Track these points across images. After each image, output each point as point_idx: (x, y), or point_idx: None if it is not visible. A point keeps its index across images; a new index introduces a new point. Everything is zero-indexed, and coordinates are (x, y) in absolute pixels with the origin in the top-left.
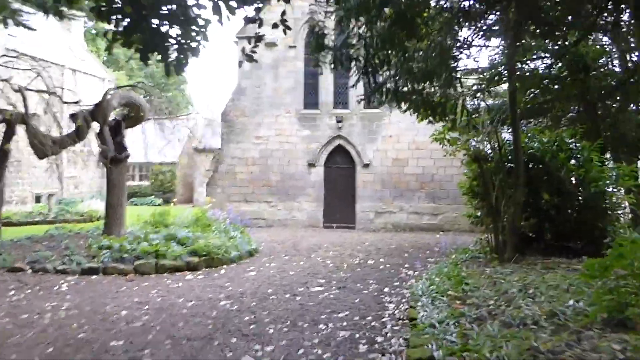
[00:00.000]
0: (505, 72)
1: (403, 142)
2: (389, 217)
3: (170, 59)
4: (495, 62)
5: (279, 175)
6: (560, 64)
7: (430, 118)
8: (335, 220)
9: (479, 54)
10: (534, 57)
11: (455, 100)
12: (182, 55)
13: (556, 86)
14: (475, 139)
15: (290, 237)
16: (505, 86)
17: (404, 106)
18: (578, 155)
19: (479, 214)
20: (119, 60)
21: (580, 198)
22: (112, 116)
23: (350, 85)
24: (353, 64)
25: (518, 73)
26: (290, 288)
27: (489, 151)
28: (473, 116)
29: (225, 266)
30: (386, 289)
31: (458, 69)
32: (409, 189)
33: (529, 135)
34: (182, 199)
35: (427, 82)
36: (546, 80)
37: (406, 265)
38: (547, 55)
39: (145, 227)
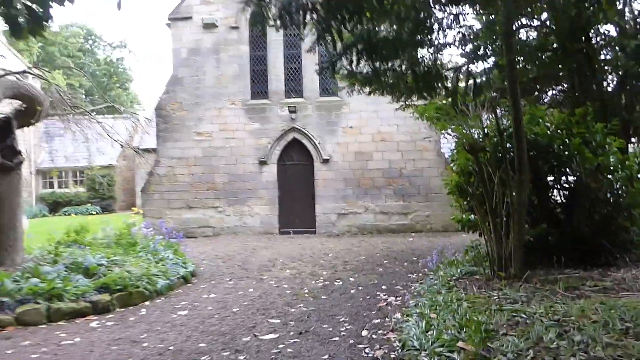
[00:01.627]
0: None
1: (366, 133)
2: (354, 219)
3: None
4: (486, 25)
5: (226, 177)
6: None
7: (408, 98)
8: (292, 224)
9: (464, 17)
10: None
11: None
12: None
13: (546, 56)
14: (465, 123)
15: (239, 250)
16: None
17: (366, 89)
18: (591, 142)
19: (471, 217)
20: (54, 59)
21: (597, 193)
22: None
23: (306, 50)
24: (308, 17)
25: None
26: (232, 338)
27: (480, 139)
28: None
29: (147, 303)
30: (364, 333)
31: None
32: (374, 186)
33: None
34: (123, 206)
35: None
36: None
37: (384, 287)
38: (540, 18)
39: (55, 250)
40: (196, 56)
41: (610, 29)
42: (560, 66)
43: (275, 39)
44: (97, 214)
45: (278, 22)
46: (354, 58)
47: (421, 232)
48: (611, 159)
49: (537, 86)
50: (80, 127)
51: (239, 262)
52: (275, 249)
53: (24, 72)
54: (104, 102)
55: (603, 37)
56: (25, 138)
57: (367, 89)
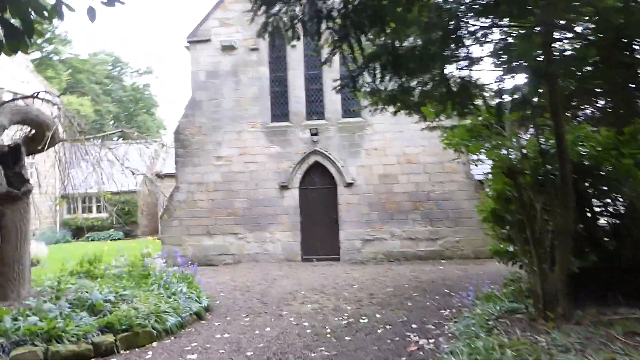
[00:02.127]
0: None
1: (391, 155)
2: (380, 245)
3: None
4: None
5: (246, 202)
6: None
7: (436, 117)
8: (315, 251)
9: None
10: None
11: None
12: None
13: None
14: (501, 144)
15: (259, 280)
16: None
17: (390, 108)
18: None
19: (510, 248)
20: (83, 86)
21: None
22: (5, 138)
23: (322, 62)
24: (324, 25)
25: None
26: None
27: (517, 161)
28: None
29: (155, 344)
30: None
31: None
32: (400, 211)
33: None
34: (146, 231)
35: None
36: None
37: (414, 326)
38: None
39: (59, 285)
40: (215, 79)
41: None
42: (601, 81)
43: (295, 58)
44: (119, 239)
45: (290, 33)
46: (377, 72)
47: (451, 258)
48: None
49: (574, 103)
50: (94, 153)
51: (257, 294)
52: (296, 278)
53: (32, 96)
54: (126, 127)
55: None
56: (45, 165)
57: (392, 108)
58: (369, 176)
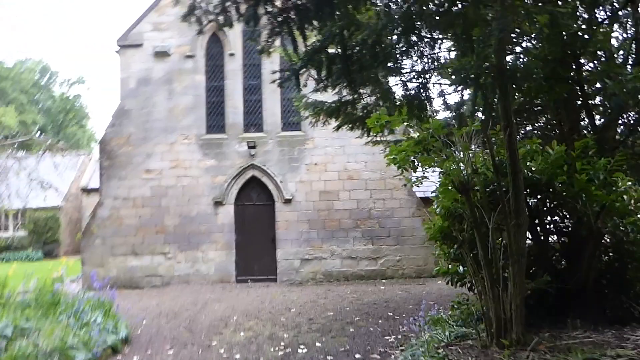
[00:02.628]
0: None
1: (332, 170)
2: (319, 265)
3: None
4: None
5: (178, 219)
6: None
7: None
8: (251, 272)
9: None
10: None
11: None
12: None
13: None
14: (452, 158)
15: (188, 304)
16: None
17: (332, 122)
18: (594, 180)
19: (460, 268)
20: (6, 95)
21: (604, 238)
22: None
23: (259, 51)
24: (262, 10)
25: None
26: None
27: (467, 176)
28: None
29: None
30: None
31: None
32: (341, 229)
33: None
34: (69, 251)
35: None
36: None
37: (357, 356)
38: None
39: None
40: (146, 86)
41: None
42: (547, 96)
43: (233, 68)
44: (38, 260)
45: (222, 18)
46: (324, 66)
47: (392, 278)
48: (625, 198)
49: (518, 119)
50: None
51: (185, 320)
52: (230, 301)
53: None
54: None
55: (595, 64)
56: None
57: (334, 122)
58: (309, 192)
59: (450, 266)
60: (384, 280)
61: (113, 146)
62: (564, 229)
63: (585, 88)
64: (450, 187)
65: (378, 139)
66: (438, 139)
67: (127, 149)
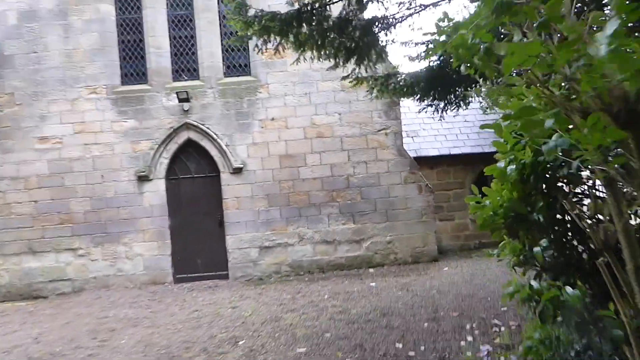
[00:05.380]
0: None
1: (295, 126)
2: (284, 254)
3: None
4: None
5: (89, 202)
6: None
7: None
8: (194, 267)
9: None
10: None
11: None
12: None
13: None
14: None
15: (84, 333)
16: None
17: (288, 46)
18: None
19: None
20: None
21: None
22: None
23: None
24: None
25: None
26: None
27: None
28: None
29: None
30: None
31: None
32: (311, 204)
33: None
34: None
35: None
36: None
37: None
38: None
39: None
40: (32, 22)
41: None
42: None
43: None
44: None
45: None
46: None
47: (382, 265)
48: None
49: None
50: None
51: None
52: (151, 324)
53: None
54: None
55: None
56: None
57: (289, 45)
58: (265, 158)
59: (535, 283)
60: (371, 270)
61: None
62: None
63: None
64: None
65: (364, 74)
66: None
67: (11, 109)
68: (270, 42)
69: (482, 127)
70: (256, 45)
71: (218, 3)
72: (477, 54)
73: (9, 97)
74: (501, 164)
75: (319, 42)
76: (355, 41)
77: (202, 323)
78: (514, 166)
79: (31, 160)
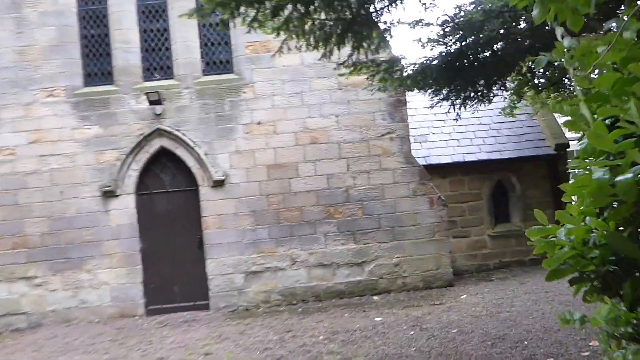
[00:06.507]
0: None
1: (285, 131)
2: (274, 279)
3: None
4: None
5: (46, 223)
6: None
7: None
8: (169, 296)
9: None
10: None
11: None
12: None
13: None
14: None
15: None
16: None
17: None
18: None
19: None
20: None
21: None
22: None
23: None
24: None
25: None
26: None
27: None
28: None
29: None
30: None
31: None
32: (305, 221)
33: None
34: None
35: None
36: None
37: None
38: None
39: None
40: None
41: None
42: None
43: None
44: None
45: None
46: None
47: (389, 292)
48: None
49: None
50: None
51: None
52: None
53: None
54: None
55: None
56: None
57: (270, 26)
58: (250, 168)
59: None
60: (375, 298)
61: None
62: None
63: None
64: None
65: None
66: None
67: None
68: (238, 16)
69: (566, 124)
70: (221, 20)
71: None
72: None
73: None
74: (598, 174)
75: (303, 12)
76: (350, 16)
77: None
78: (629, 175)
79: None
